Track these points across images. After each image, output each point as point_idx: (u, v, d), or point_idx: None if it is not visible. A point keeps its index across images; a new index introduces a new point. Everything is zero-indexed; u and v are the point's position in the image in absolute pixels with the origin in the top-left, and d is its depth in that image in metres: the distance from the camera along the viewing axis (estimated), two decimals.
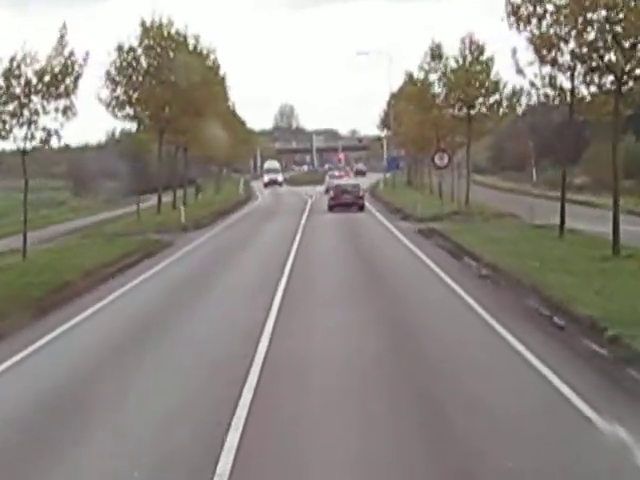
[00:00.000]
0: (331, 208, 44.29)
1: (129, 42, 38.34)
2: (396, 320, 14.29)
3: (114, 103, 38.10)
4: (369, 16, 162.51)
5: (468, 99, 35.27)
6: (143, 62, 38.36)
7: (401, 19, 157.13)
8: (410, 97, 47.42)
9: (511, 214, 34.16)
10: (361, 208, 44.00)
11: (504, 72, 35.60)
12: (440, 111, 39.17)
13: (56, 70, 21.14)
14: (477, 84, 35.16)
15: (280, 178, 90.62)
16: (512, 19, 19.67)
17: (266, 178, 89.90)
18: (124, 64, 38.08)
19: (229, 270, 22.02)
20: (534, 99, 21.44)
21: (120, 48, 38.16)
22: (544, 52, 19.22)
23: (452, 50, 39.17)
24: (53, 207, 56.36)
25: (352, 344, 12.20)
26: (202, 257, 26.17)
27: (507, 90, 35.52)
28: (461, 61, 35.72)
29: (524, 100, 35.28)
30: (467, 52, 35.49)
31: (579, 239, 23.50)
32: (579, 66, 19.18)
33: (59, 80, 21.20)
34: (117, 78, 38.09)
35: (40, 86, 21.54)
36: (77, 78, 22.08)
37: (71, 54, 21.83)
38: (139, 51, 38.57)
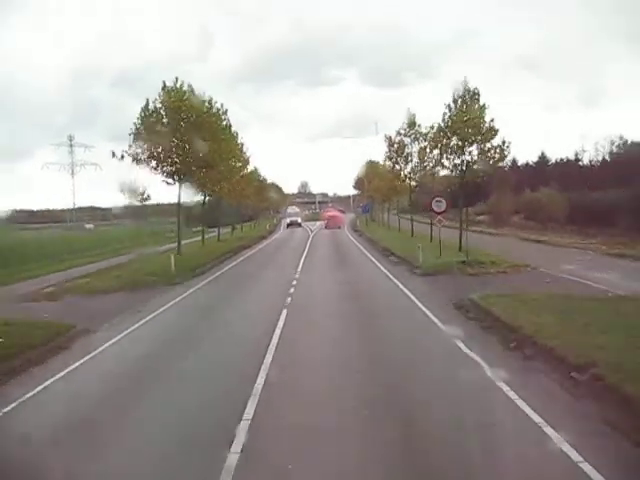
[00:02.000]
0: (325, 227, 51.78)
1: (154, 104, 25.68)
2: None
3: (140, 157, 25.35)
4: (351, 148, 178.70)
5: (461, 145, 20.84)
6: (164, 121, 25.54)
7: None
8: (386, 155, 35.72)
9: (525, 264, 18.26)
10: (339, 228, 50.89)
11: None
12: (421, 163, 26.57)
13: None
14: (471, 130, 20.19)
15: (299, 220, 69.75)
16: None
17: (288, 220, 69.47)
18: (148, 123, 25.36)
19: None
20: None
21: (146, 109, 25.53)
22: None
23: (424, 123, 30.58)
24: (159, 235, 46.55)
25: None
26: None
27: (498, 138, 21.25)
28: (453, 106, 21.32)
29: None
30: (460, 99, 21.20)
31: None
32: None
33: None
34: (143, 135, 25.38)
35: None
36: None
37: None
38: (161, 112, 25.75)
